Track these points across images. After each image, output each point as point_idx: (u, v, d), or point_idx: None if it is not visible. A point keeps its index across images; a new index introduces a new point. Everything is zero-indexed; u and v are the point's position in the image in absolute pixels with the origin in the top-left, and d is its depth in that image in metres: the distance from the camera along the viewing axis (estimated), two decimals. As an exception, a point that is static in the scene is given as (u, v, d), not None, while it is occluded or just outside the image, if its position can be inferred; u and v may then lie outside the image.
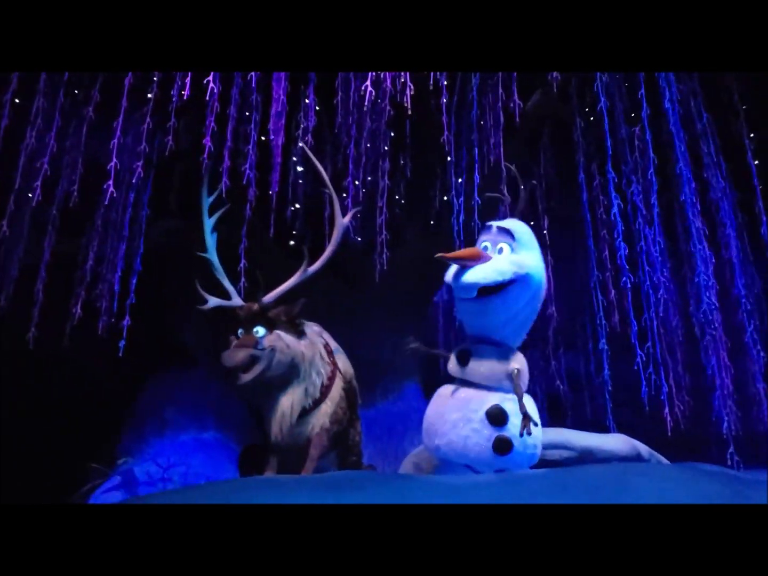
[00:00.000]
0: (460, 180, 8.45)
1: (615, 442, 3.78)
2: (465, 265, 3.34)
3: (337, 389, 4.33)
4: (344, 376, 4.44)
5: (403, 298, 6.99)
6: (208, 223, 4.52)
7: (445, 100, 5.24)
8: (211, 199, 4.62)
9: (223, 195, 5.46)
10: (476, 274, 3.24)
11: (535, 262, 3.39)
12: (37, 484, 4.72)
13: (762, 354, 4.73)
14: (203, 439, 6.43)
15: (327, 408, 4.22)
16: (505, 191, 4.98)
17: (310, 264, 4.28)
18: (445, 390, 3.34)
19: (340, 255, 4.45)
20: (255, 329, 3.91)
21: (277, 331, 3.93)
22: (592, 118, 5.58)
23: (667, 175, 4.80)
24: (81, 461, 5.53)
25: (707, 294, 4.44)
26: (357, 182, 6.49)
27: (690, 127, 4.72)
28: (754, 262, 4.95)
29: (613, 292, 5.17)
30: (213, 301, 4.14)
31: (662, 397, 4.38)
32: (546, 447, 3.59)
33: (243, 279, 5.76)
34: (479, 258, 3.33)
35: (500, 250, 3.36)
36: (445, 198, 8.01)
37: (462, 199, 5.54)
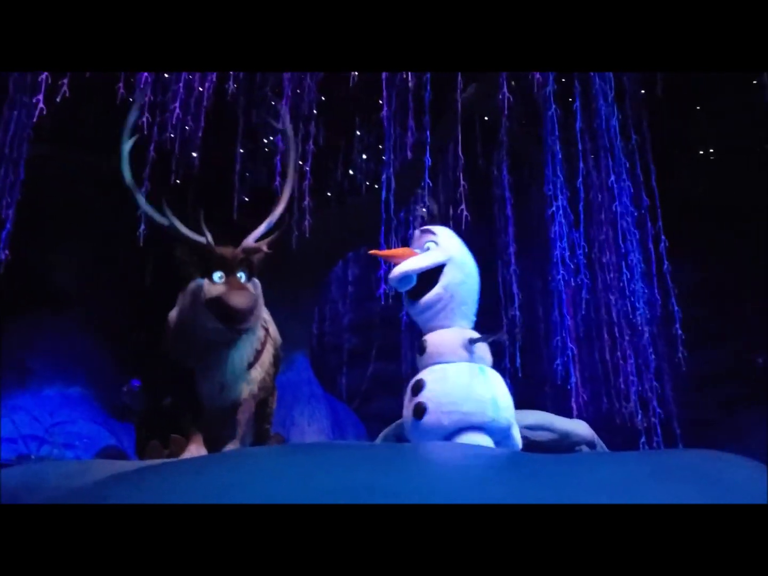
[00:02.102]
0: (364, 156, 8.52)
1: (583, 427, 4.09)
2: (397, 262, 3.52)
3: (267, 355, 4.13)
4: (274, 342, 4.25)
5: (299, 268, 6.83)
6: (126, 145, 3.99)
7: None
8: (131, 143, 4.07)
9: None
10: (410, 264, 3.49)
11: (459, 248, 3.64)
12: None
13: (653, 357, 5.33)
14: (69, 395, 5.85)
15: (257, 374, 4.00)
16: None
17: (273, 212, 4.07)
18: None
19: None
20: (239, 274, 3.62)
21: (254, 279, 3.69)
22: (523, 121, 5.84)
23: (598, 184, 5.19)
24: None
25: (632, 299, 4.90)
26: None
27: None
28: (652, 272, 5.46)
29: (516, 288, 5.50)
30: (208, 236, 3.72)
31: (569, 387, 4.78)
32: (533, 428, 3.82)
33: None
34: (412, 254, 3.55)
35: (428, 248, 3.59)
36: (351, 172, 8.00)
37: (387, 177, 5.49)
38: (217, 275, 3.54)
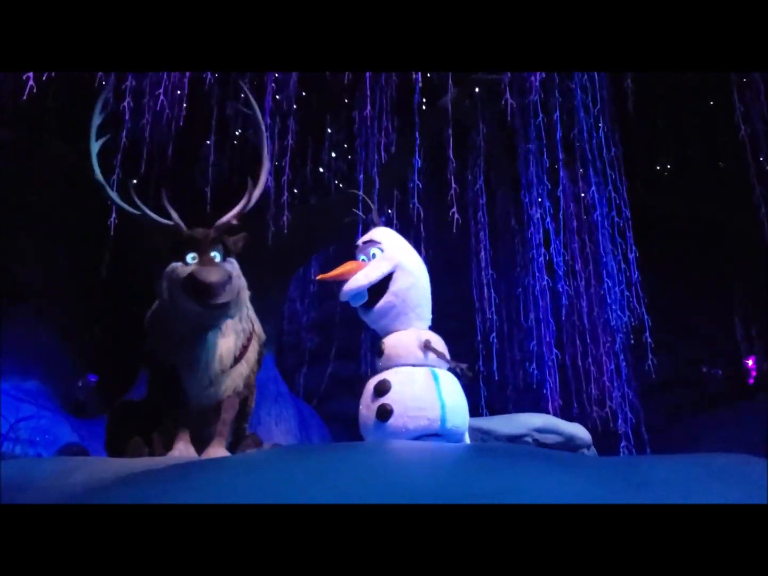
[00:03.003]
0: (333, 154, 8.47)
1: (583, 431, 4.19)
2: (347, 279, 3.50)
3: (253, 351, 4.04)
4: (259, 339, 4.17)
5: (269, 264, 6.73)
6: (95, 146, 3.93)
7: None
8: (99, 120, 4.00)
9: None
10: (359, 279, 3.49)
11: (405, 251, 3.66)
12: None
13: (624, 364, 5.51)
14: (26, 389, 5.58)
15: (243, 370, 3.91)
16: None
17: (250, 196, 4.03)
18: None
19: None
20: (213, 254, 3.52)
21: (231, 259, 3.60)
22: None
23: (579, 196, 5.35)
24: None
25: (614, 307, 5.06)
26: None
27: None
28: (622, 281, 5.65)
29: (490, 291, 5.59)
30: (175, 216, 3.66)
31: (545, 391, 4.89)
32: (541, 431, 3.87)
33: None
34: (359, 268, 3.53)
35: (373, 256, 3.59)
36: (321, 169, 7.93)
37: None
38: (190, 256, 3.46)
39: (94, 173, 3.71)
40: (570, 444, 3.94)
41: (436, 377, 3.36)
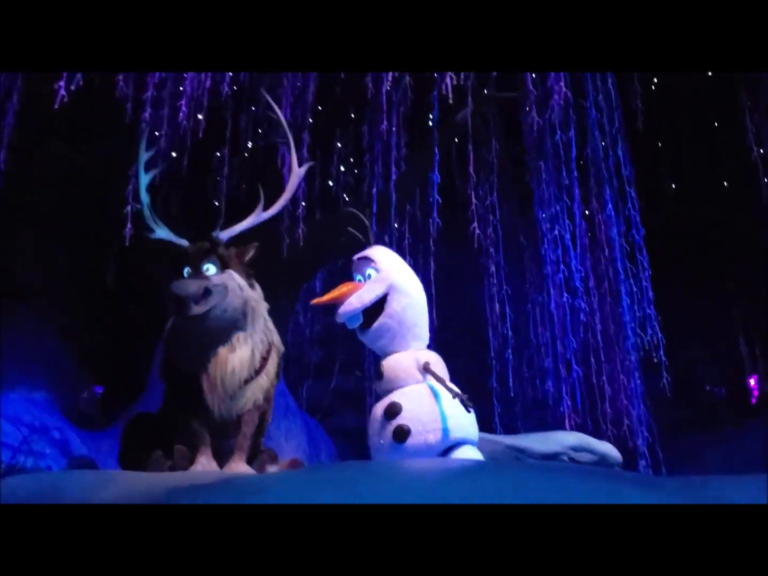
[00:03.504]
0: (342, 168, 8.47)
1: (613, 449, 4.19)
2: (342, 301, 3.55)
3: (273, 364, 4.02)
4: (278, 351, 4.16)
5: (280, 276, 6.70)
6: (144, 179, 4.07)
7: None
8: (149, 154, 4.18)
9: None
10: (352, 303, 3.53)
11: (400, 271, 3.69)
12: None
13: (638, 381, 5.51)
14: (34, 400, 5.52)
15: (263, 382, 3.90)
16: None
17: (265, 208, 4.05)
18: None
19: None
20: (205, 267, 3.53)
21: (230, 271, 3.60)
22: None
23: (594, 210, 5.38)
24: None
25: (632, 325, 5.09)
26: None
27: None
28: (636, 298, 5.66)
29: (506, 306, 5.59)
30: (161, 233, 3.67)
31: (561, 410, 4.88)
32: (576, 449, 3.86)
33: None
34: (354, 290, 3.57)
35: (369, 276, 3.62)
36: (330, 183, 7.92)
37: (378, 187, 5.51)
38: (186, 270, 3.51)
39: (142, 206, 3.81)
40: (603, 463, 3.95)
41: (435, 393, 3.35)
